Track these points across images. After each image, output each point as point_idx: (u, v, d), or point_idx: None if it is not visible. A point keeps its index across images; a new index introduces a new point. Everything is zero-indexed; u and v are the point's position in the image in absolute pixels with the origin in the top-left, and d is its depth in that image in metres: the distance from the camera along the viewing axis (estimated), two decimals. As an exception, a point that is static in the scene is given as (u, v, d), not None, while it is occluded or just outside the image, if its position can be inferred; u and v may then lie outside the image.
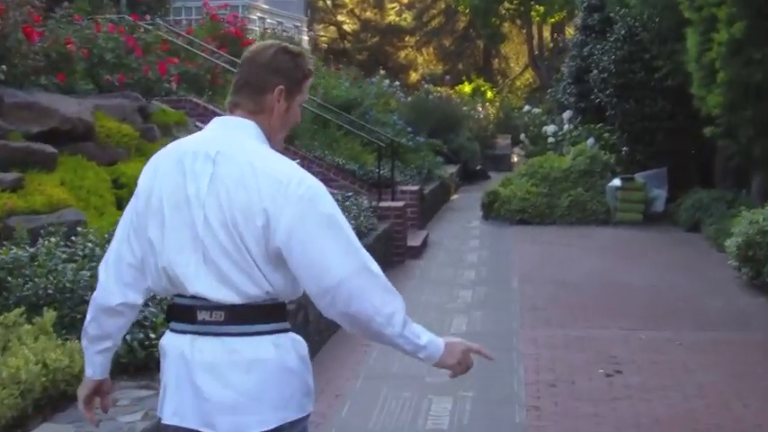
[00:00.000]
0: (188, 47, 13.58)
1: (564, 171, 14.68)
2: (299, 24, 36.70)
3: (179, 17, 23.28)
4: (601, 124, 17.11)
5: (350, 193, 10.68)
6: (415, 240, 11.77)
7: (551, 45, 39.34)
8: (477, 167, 22.65)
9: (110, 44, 10.47)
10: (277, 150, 2.50)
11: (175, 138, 10.62)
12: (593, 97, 16.93)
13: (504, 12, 37.28)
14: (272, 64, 2.49)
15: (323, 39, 47.15)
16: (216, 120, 2.56)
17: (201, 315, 2.39)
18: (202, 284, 2.38)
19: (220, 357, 2.38)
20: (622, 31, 15.40)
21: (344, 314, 2.35)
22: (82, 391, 2.65)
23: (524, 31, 38.31)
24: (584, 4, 19.90)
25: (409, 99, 22.75)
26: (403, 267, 10.77)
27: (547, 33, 39.47)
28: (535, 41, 37.04)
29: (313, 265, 2.33)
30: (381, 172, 12.74)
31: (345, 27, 47.79)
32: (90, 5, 14.93)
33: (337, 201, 9.69)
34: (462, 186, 20.52)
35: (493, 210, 14.75)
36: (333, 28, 47.98)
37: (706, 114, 12.46)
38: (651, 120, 15.12)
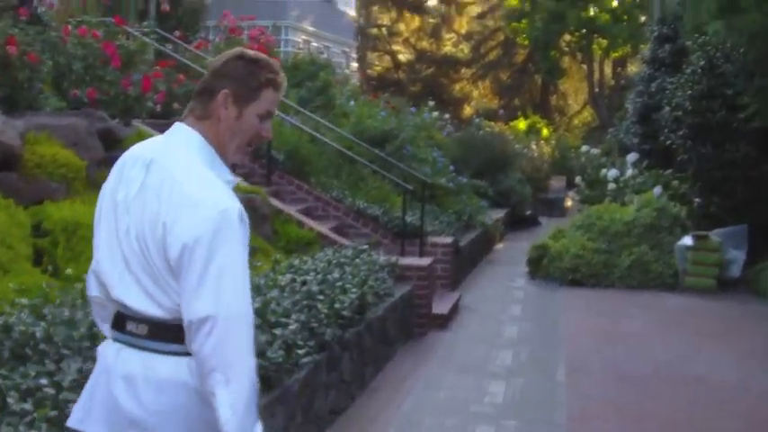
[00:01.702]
0: (189, 63, 11.72)
1: (626, 224, 12.52)
2: (348, 50, 35.15)
3: (212, 37, 21.63)
4: (670, 170, 14.94)
5: (364, 246, 8.68)
6: (442, 306, 9.73)
7: (612, 82, 37.42)
8: (528, 212, 20.52)
9: (79, 51, 8.65)
10: (233, 162, 2.49)
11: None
12: (662, 138, 14.78)
13: (564, 45, 35.68)
14: (221, 69, 2.47)
15: (377, 68, 46.18)
16: (173, 125, 2.51)
17: (129, 326, 2.42)
18: (124, 292, 2.39)
19: (137, 371, 2.37)
20: (701, 63, 13.23)
21: (197, 353, 2.29)
22: None
23: (585, 66, 36.52)
24: (655, 34, 17.91)
25: (456, 134, 20.87)
26: (424, 342, 8.73)
27: (608, 70, 37.60)
28: (596, 78, 35.16)
29: (186, 291, 2.30)
30: (409, 220, 10.76)
31: (400, 57, 46.80)
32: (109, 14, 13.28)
33: (346, 257, 7.83)
34: (509, 234, 18.41)
35: (541, 267, 12.64)
36: (387, 57, 46.94)
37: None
38: (731, 167, 12.90)
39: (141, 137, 8.91)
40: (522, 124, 32.97)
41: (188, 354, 2.33)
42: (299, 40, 29.36)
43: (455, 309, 10.18)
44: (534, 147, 25.16)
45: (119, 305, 2.42)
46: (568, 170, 25.73)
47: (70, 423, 2.47)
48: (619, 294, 11.72)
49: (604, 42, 33.26)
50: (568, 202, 23.78)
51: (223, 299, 2.26)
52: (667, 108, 14.14)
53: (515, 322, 9.85)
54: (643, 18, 30.77)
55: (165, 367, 2.35)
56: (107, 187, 2.49)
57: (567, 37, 35.03)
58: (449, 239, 11.03)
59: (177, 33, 13.92)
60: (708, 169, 13.21)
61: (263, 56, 2.52)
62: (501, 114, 36.42)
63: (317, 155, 11.67)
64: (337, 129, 12.38)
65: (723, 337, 9.28)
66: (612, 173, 16.10)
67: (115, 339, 2.45)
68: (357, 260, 7.95)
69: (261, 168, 11.06)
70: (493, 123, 25.84)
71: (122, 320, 2.42)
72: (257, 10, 21.44)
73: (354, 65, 35.78)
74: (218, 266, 2.26)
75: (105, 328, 2.54)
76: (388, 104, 17.66)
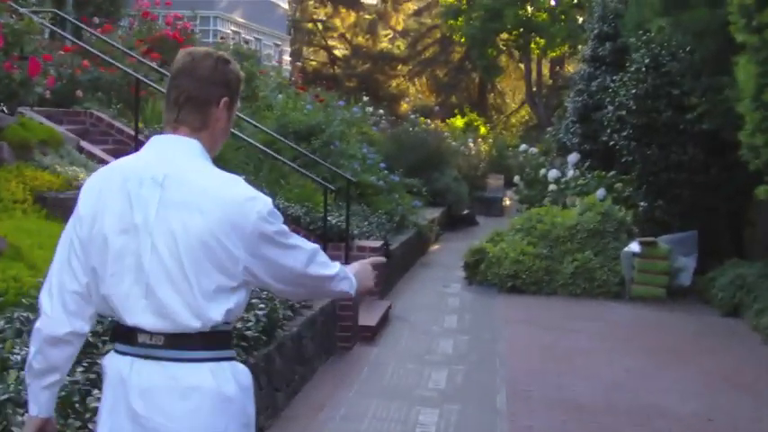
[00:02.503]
0: (94, 51, 10.58)
1: (569, 229, 11.69)
2: (280, 43, 34.03)
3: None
4: (613, 172, 14.20)
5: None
6: (370, 317, 8.77)
7: (550, 81, 36.96)
8: (465, 212, 19.66)
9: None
10: None
11: (37, 162, 7.46)
12: (605, 139, 14.04)
13: (502, 44, 35.09)
14: (214, 76, 2.46)
15: (312, 62, 45.35)
16: (155, 139, 2.49)
17: (141, 338, 2.37)
18: (140, 317, 2.36)
19: (158, 382, 2.34)
20: (645, 61, 12.46)
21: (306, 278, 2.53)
22: None
23: (522, 65, 35.92)
24: (595, 32, 17.20)
25: (391, 131, 19.96)
26: (348, 359, 7.76)
27: (545, 70, 37.12)
28: (533, 77, 34.58)
29: (283, 275, 2.47)
30: (334, 221, 9.77)
31: (336, 52, 46.00)
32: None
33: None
34: (445, 234, 17.55)
35: (478, 272, 11.76)
36: (323, 52, 46.10)
37: (756, 169, 9.63)
38: (678, 170, 12.15)
39: (26, 128, 7.83)
40: (459, 122, 32.35)
41: (211, 359, 2.37)
42: (229, 31, 28.12)
43: (384, 319, 9.24)
44: (471, 145, 24.40)
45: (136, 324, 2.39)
46: (506, 169, 25.05)
47: None
48: (562, 303, 10.89)
49: (542, 41, 32.67)
50: (507, 202, 23.06)
51: (311, 245, 2.52)
52: (610, 107, 13.37)
53: (450, 335, 8.93)
54: (581, 19, 30.27)
55: (188, 375, 2.35)
56: (97, 209, 2.41)
57: (505, 35, 34.45)
58: (377, 243, 10.07)
59: (83, 17, 12.81)
60: (653, 172, 12.46)
61: (226, 54, 2.54)
62: (437, 111, 35.75)
63: (233, 149, 10.61)
64: (253, 122, 11.25)
65: (679, 354, 8.48)
66: (553, 173, 15.32)
67: (124, 352, 2.40)
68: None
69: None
70: (429, 120, 25.10)
71: (132, 334, 2.38)
72: (184, -3, 20.20)
73: (287, 58, 34.66)
74: (300, 240, 2.49)
75: (75, 322, 2.45)
76: (316, 98, 16.65)
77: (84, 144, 8.87)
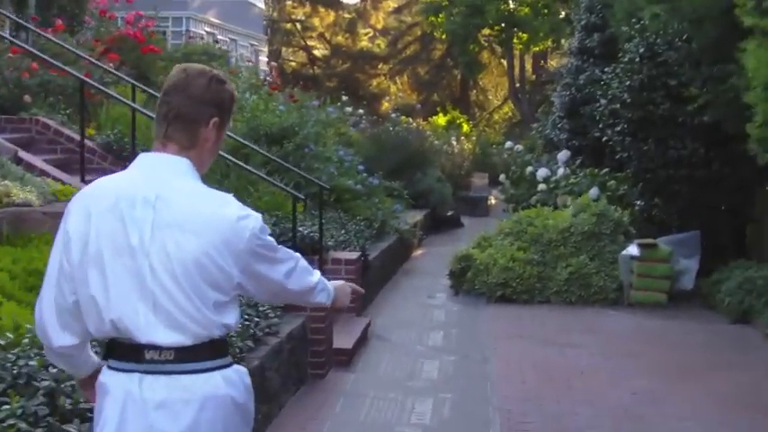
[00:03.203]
0: (36, 52, 9.71)
1: (562, 232, 10.86)
2: (257, 43, 33.15)
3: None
4: (606, 169, 13.38)
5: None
6: (346, 338, 7.92)
7: (533, 77, 36.23)
8: (449, 213, 18.80)
9: None
10: None
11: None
12: (597, 134, 13.23)
13: (483, 39, 34.40)
14: (206, 95, 2.47)
15: (292, 63, 44.68)
16: (142, 157, 2.52)
17: (150, 354, 2.39)
18: (153, 333, 2.38)
19: (173, 395, 2.38)
20: (640, 50, 11.62)
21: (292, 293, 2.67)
22: (80, 383, 2.75)
23: (504, 60, 35.18)
24: (582, 23, 16.41)
25: (371, 131, 19.12)
26: (320, 389, 6.88)
27: (528, 65, 36.39)
28: (516, 72, 33.85)
29: (270, 288, 2.59)
30: (306, 231, 8.91)
31: (315, 52, 45.32)
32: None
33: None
34: (430, 237, 16.71)
35: (465, 281, 10.90)
36: (302, 53, 45.42)
37: (767, 163, 8.85)
38: (677, 166, 11.33)
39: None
40: (441, 120, 31.60)
41: (219, 367, 2.45)
42: (203, 32, 27.21)
43: (363, 339, 8.39)
44: (454, 143, 23.58)
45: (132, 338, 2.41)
46: (490, 167, 24.27)
47: None
48: (556, 313, 10.05)
49: (525, 36, 31.93)
50: (492, 201, 22.22)
51: (294, 255, 2.63)
52: (603, 101, 12.54)
53: (436, 355, 8.08)
54: (564, 12, 29.55)
55: (203, 385, 2.40)
56: (89, 230, 2.42)
57: (487, 31, 33.75)
58: (354, 255, 9.18)
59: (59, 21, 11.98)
60: (650, 168, 11.62)
61: (222, 74, 2.56)
62: (419, 110, 35.01)
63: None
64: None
65: (689, 372, 7.64)
66: (542, 172, 14.47)
67: (128, 370, 2.41)
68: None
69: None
70: (411, 119, 24.32)
71: (139, 351, 2.40)
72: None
73: (264, 59, 33.78)
74: (275, 247, 2.55)
75: (66, 337, 2.50)
76: (291, 98, 15.78)
77: (22, 154, 7.96)
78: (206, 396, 2.39)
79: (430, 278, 12.18)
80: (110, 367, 2.45)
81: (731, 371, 7.66)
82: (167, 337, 2.37)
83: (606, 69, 12.85)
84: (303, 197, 8.52)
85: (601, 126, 12.85)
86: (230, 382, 2.45)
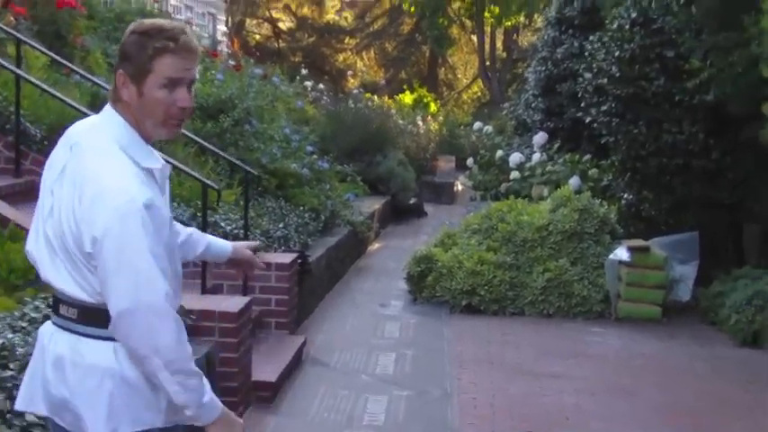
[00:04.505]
0: None
1: (538, 230, 9.25)
2: (214, 11, 31.24)
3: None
4: (588, 156, 11.80)
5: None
6: (271, 367, 6.24)
7: (504, 55, 34.73)
8: (411, 201, 17.12)
9: None
10: (158, 139, 2.43)
11: None
12: (579, 114, 11.64)
13: (453, 13, 32.90)
14: (122, 48, 2.40)
15: (256, 36, 42.99)
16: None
17: (62, 309, 2.38)
18: (52, 274, 2.36)
19: (66, 354, 2.34)
20: (632, 15, 9.99)
21: (124, 344, 2.33)
22: (228, 265, 2.94)
23: (475, 36, 33.62)
24: (561, -10, 14.83)
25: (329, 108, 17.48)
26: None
27: (499, 42, 34.87)
28: (486, 49, 32.31)
29: (102, 284, 2.30)
30: (229, 228, 7.21)
31: (281, 25, 43.64)
32: None
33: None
34: (389, 227, 15.08)
35: (425, 286, 9.28)
36: (267, 25, 43.71)
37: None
38: (671, 154, 9.74)
39: None
40: (408, 98, 29.99)
41: (112, 339, 2.32)
42: (152, -3, 25.24)
43: (295, 364, 6.74)
44: (420, 123, 21.93)
45: (56, 290, 2.38)
46: (458, 149, 22.62)
47: (18, 406, 2.46)
48: (531, 329, 8.45)
49: (496, 10, 30.34)
50: (459, 187, 20.58)
51: (138, 291, 2.24)
52: (587, 74, 10.92)
53: (384, 390, 6.44)
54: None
55: (92, 352, 2.33)
56: (47, 162, 2.45)
57: (457, 3, 32.20)
58: (289, 257, 7.47)
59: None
60: (640, 156, 10.03)
61: (157, 23, 2.37)
62: (385, 87, 33.45)
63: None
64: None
65: (701, 419, 6.08)
66: (515, 157, 12.84)
67: (53, 322, 2.42)
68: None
69: (7, 150, 7.43)
70: (376, 97, 22.74)
71: (57, 303, 2.39)
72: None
73: (222, 28, 31.89)
74: (128, 258, 2.25)
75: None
76: (235, 67, 14.05)
77: None
78: (92, 364, 2.31)
79: (386, 279, 10.54)
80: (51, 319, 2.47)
81: (751, 419, 6.09)
82: (64, 284, 2.32)
83: (591, 38, 11.21)
84: (216, 186, 6.80)
85: (583, 105, 11.26)
86: (122, 356, 2.31)
